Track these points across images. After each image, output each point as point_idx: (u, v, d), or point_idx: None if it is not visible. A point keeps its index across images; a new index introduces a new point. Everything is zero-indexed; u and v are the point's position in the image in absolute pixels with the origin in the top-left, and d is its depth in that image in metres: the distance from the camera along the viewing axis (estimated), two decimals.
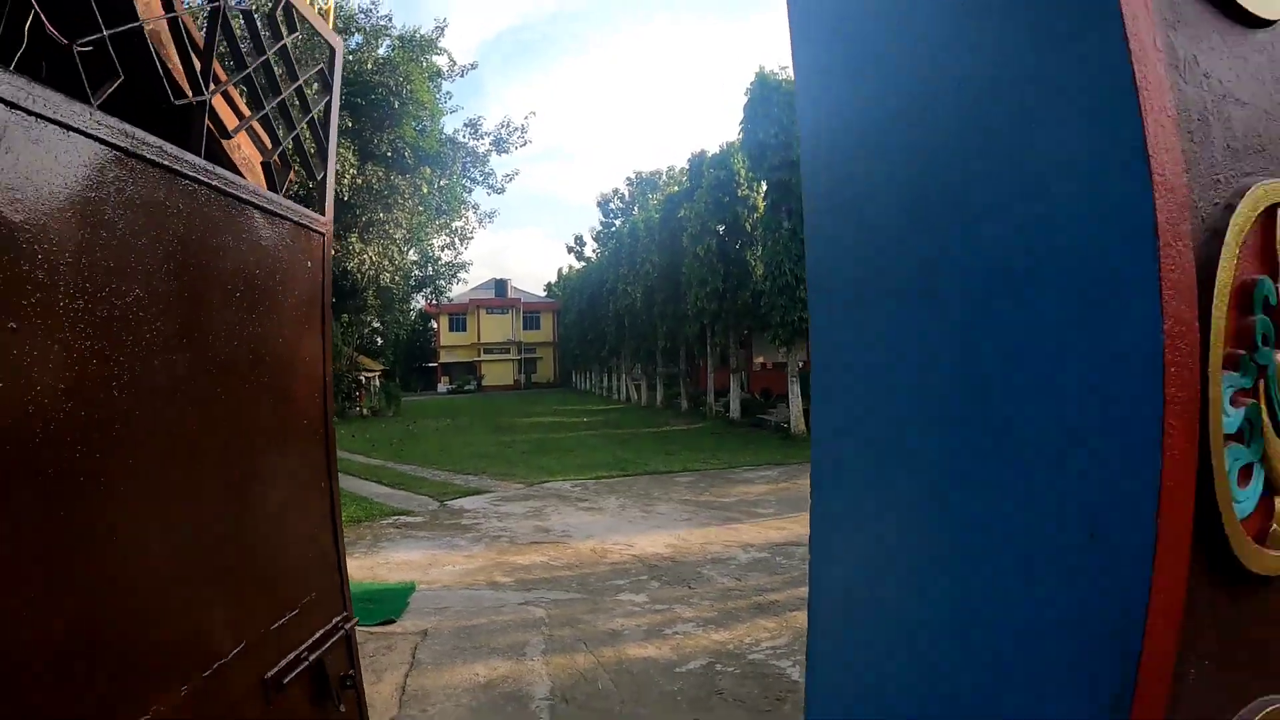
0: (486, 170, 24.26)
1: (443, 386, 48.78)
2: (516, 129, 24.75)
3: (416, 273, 20.18)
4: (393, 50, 18.40)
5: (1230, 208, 0.94)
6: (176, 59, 1.72)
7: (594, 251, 48.19)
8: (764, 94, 17.43)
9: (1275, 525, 0.98)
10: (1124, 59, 0.83)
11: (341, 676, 2.02)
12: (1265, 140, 1.02)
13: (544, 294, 59.14)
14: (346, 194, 15.50)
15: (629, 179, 46.38)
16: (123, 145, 1.30)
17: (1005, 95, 0.98)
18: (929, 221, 1.09)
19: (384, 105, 17.87)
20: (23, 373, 1.05)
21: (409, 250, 15.23)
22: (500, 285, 53.65)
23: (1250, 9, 1.02)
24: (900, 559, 1.14)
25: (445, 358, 50.96)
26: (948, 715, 1.01)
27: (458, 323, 51.16)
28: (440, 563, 6.93)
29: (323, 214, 2.18)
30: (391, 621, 5.11)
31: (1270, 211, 0.98)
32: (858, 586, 1.22)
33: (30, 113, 1.08)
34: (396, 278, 14.67)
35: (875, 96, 1.20)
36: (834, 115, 1.32)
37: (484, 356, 50.54)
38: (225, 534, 1.59)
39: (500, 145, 24.32)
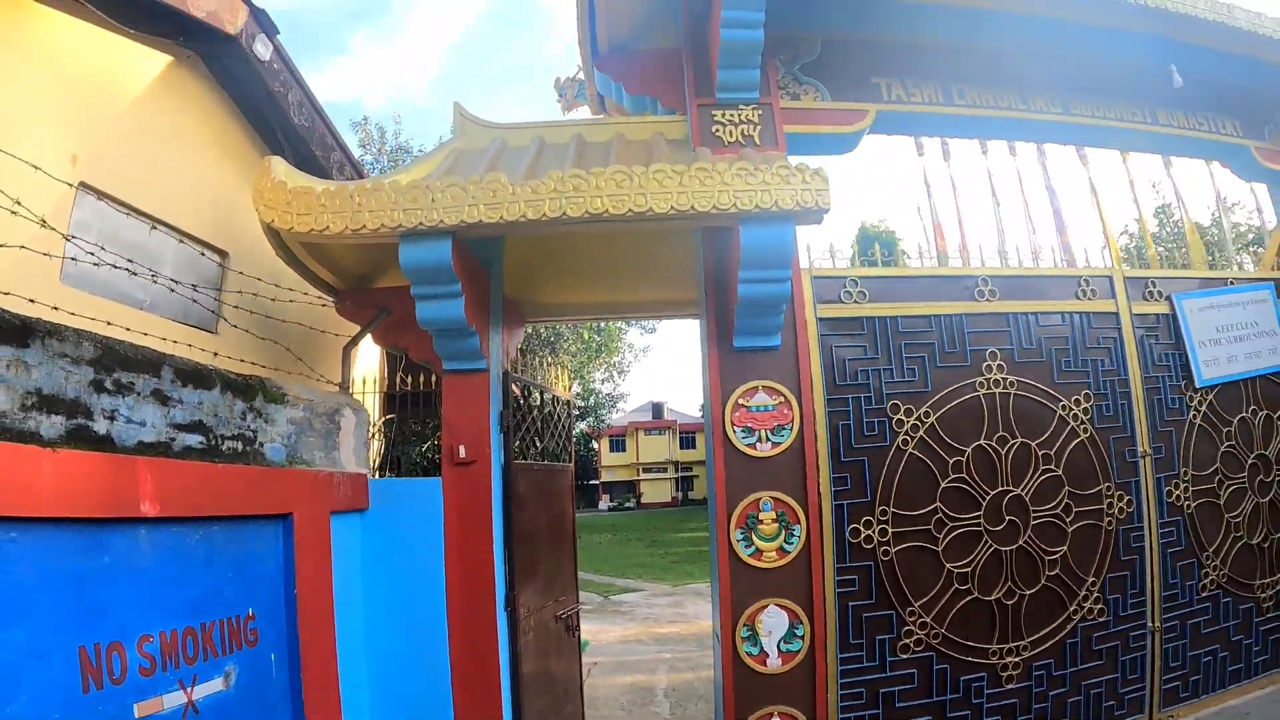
0: None
1: (604, 504, 53.20)
2: None
3: (580, 404, 24.12)
4: None
5: None
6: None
7: None
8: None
9: None
10: None
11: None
12: None
13: (699, 414, 62.93)
14: (521, 343, 19.79)
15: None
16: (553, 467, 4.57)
17: None
18: None
19: None
20: None
21: (573, 386, 18.90)
22: (657, 408, 58.10)
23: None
24: None
25: (606, 476, 55.84)
26: None
27: (617, 444, 55.97)
28: (605, 631, 10.50)
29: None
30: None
31: None
32: None
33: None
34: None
35: None
36: None
37: (643, 475, 54.89)
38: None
39: None
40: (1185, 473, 5.10)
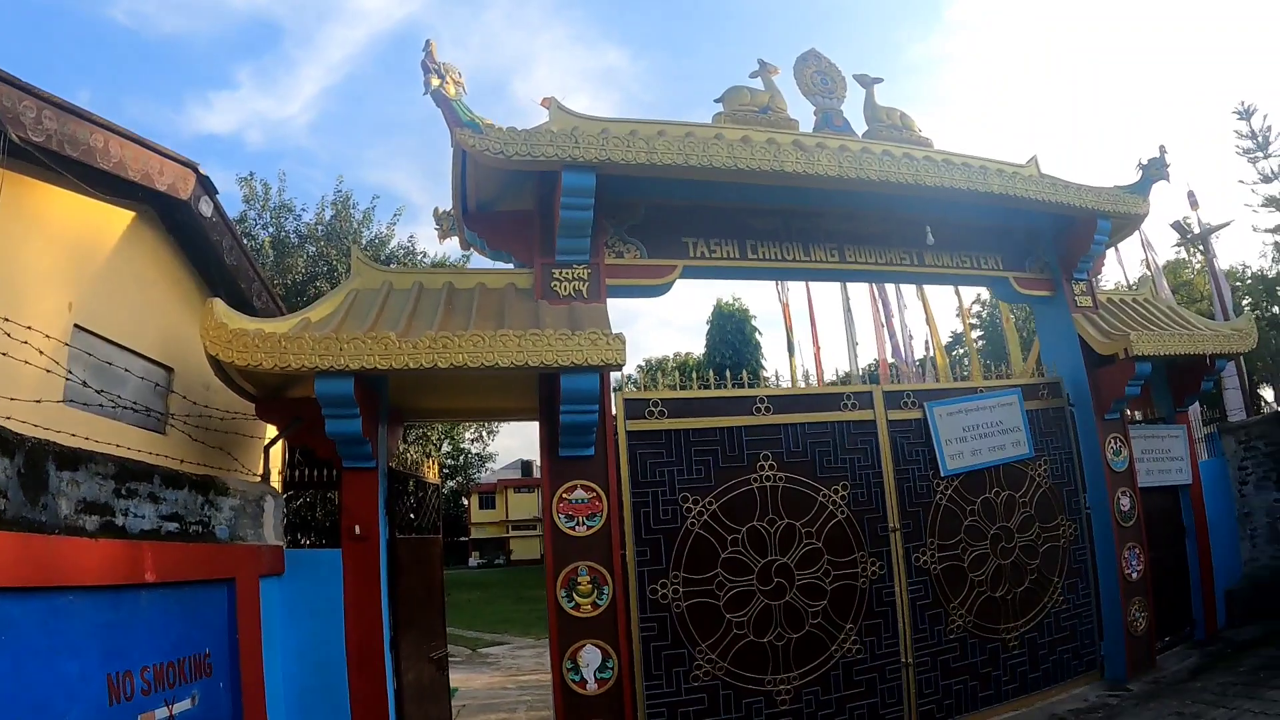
0: None
1: (473, 560, 55.74)
2: None
3: (450, 463, 25.59)
4: None
5: None
6: None
7: None
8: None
9: None
10: None
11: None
12: None
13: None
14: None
15: (640, 365, 51.46)
16: (425, 538, 6.40)
17: None
18: None
19: None
20: None
21: (443, 445, 20.25)
22: (526, 466, 60.92)
23: None
24: None
25: (476, 533, 59.03)
26: None
27: (487, 501, 58.93)
28: (473, 679, 12.31)
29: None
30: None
31: None
32: None
33: None
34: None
35: None
36: None
37: (512, 533, 58.00)
38: None
39: None
40: (932, 542, 7.00)
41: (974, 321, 24.80)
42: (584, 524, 6.03)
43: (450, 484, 32.52)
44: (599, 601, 5.95)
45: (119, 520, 4.36)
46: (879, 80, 8.10)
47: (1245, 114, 18.31)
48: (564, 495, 6.06)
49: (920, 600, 6.92)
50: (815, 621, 6.52)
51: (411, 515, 6.95)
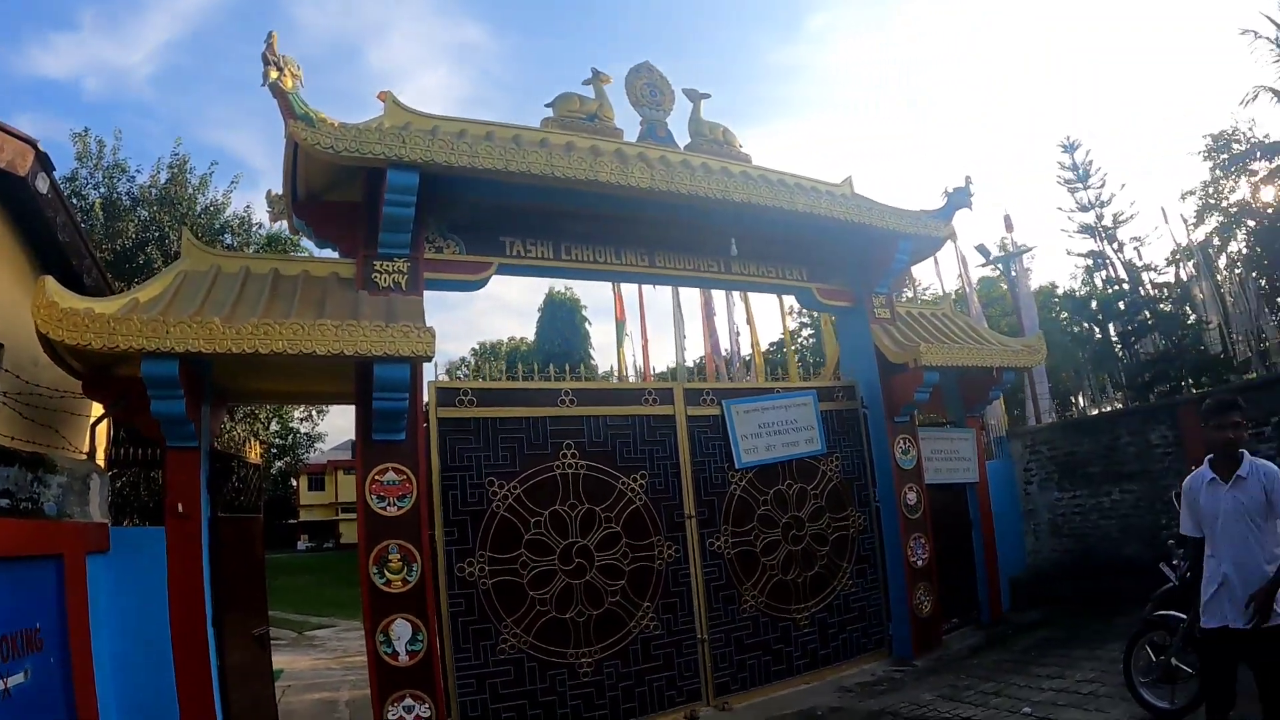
0: None
1: (302, 544, 54.42)
2: None
3: (278, 442, 25.55)
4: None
5: None
6: None
7: None
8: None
9: None
10: None
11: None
12: None
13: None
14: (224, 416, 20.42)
15: (474, 349, 52.27)
16: (247, 518, 6.70)
17: None
18: None
19: None
20: None
21: (271, 424, 20.13)
22: (355, 446, 59.07)
23: None
24: None
25: (305, 516, 57.22)
26: None
27: (316, 483, 56.90)
28: (298, 661, 12.66)
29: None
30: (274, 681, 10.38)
31: None
32: None
33: None
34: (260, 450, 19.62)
35: None
36: None
37: (342, 515, 55.90)
38: None
39: None
40: (726, 528, 7.84)
41: (806, 321, 26.77)
42: (395, 504, 6.52)
43: (278, 464, 32.10)
44: (409, 578, 6.44)
45: None
46: (706, 95, 8.93)
47: (1070, 148, 20.55)
48: (376, 477, 6.54)
49: (715, 582, 7.74)
50: (614, 600, 7.23)
51: (233, 495, 7.29)
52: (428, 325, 6.25)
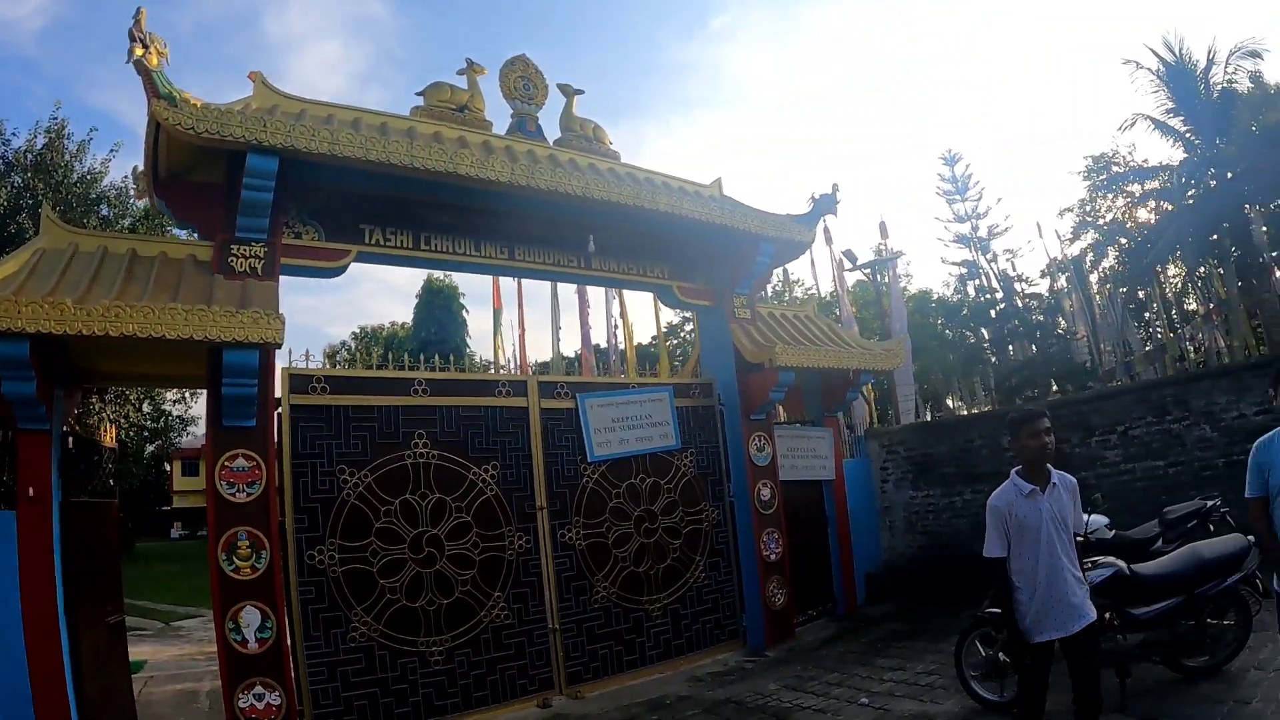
0: None
1: (175, 532, 52.91)
2: None
3: (150, 425, 25.03)
4: None
5: None
6: None
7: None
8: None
9: None
10: None
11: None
12: None
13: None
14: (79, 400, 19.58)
15: (354, 333, 52.30)
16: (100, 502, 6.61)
17: None
18: None
19: None
20: None
21: (143, 405, 19.80)
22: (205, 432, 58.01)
23: None
24: None
25: (179, 502, 54.75)
26: None
27: (191, 468, 53.85)
28: (163, 652, 12.43)
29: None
30: (137, 671, 10.21)
31: None
32: None
33: None
34: (130, 432, 19.15)
35: None
36: None
37: None
38: None
39: None
40: (578, 520, 8.21)
41: (689, 316, 27.65)
42: (244, 491, 6.62)
43: (150, 448, 31.18)
44: (258, 565, 6.55)
45: None
46: (580, 92, 9.27)
47: (950, 161, 21.86)
48: (226, 463, 6.62)
49: (566, 572, 8.09)
50: (465, 589, 7.50)
51: (87, 479, 7.23)
52: (279, 312, 6.40)
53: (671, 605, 8.76)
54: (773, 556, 9.42)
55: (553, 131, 8.96)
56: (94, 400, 15.54)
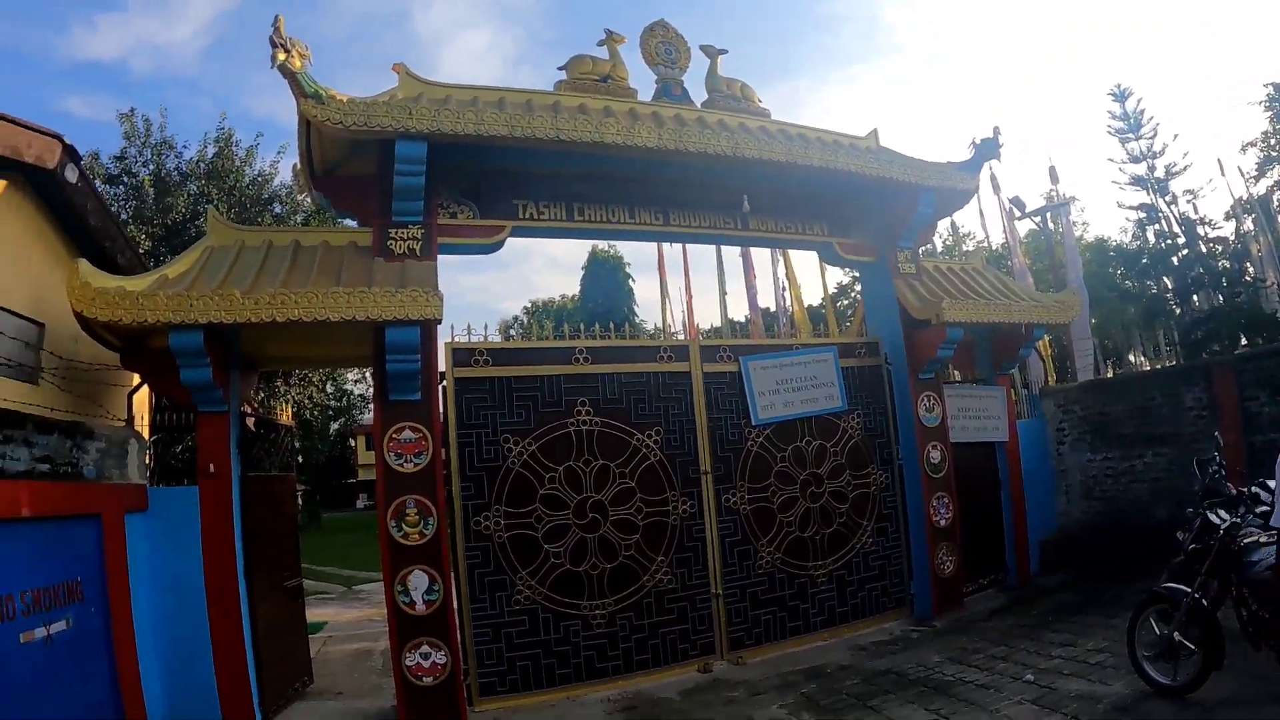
0: None
1: (360, 502, 55.71)
2: None
3: (334, 404, 26.19)
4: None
5: None
6: None
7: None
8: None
9: None
10: None
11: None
12: None
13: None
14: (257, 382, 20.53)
15: (526, 306, 52.68)
16: (278, 476, 7.11)
17: None
18: None
19: None
20: None
21: (326, 386, 20.67)
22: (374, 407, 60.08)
23: None
24: None
25: (363, 475, 57.75)
26: None
27: (373, 443, 56.66)
28: (343, 614, 13.22)
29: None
30: (317, 632, 10.88)
31: None
32: None
33: None
34: (314, 412, 20.05)
35: None
36: None
37: None
38: None
39: None
40: (742, 485, 8.04)
41: (859, 275, 26.78)
42: (411, 461, 6.87)
43: (334, 426, 33.20)
44: (425, 531, 6.80)
45: None
46: (724, 51, 9.01)
47: (1120, 96, 19.87)
48: (394, 435, 6.89)
49: (730, 537, 7.98)
50: (628, 553, 7.53)
51: (264, 456, 7.71)
52: (437, 289, 6.55)
53: (837, 571, 8.51)
54: (942, 522, 8.99)
55: (699, 94, 8.74)
56: (279, 383, 16.62)
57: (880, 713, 5.97)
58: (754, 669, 7.61)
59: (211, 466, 6.76)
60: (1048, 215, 14.50)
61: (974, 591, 9.46)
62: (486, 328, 7.45)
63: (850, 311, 25.37)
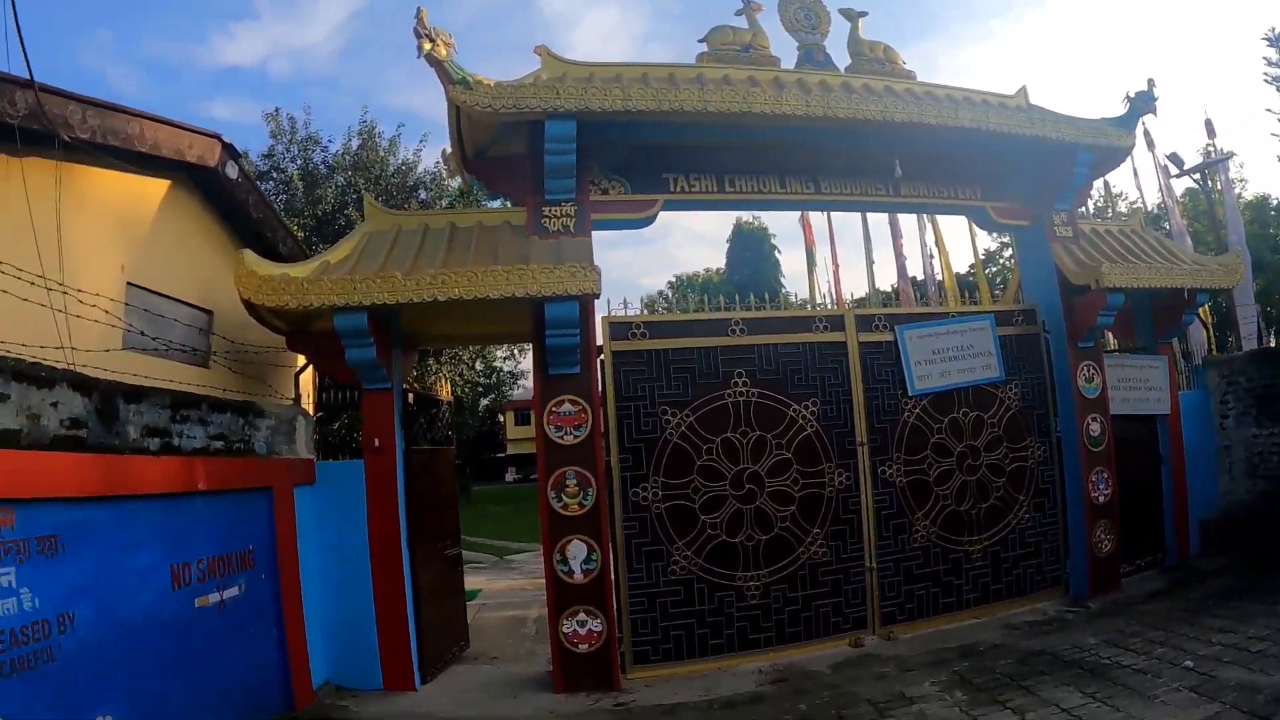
0: None
1: (510, 476, 57.29)
2: None
3: (484, 380, 26.63)
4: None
5: None
6: None
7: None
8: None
9: None
10: None
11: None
12: None
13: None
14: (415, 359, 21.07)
15: (670, 281, 52.62)
16: (438, 449, 7.38)
17: None
18: None
19: None
20: None
21: (475, 363, 21.16)
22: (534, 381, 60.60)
23: None
24: None
25: (512, 449, 59.53)
26: None
27: (523, 417, 58.17)
28: (495, 583, 13.64)
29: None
30: (471, 599, 11.16)
31: None
32: None
33: None
34: (465, 389, 20.56)
35: None
36: None
37: None
38: None
39: None
40: (898, 456, 7.89)
41: (1007, 241, 25.50)
42: (571, 434, 6.97)
43: (485, 402, 34.15)
44: (584, 502, 6.91)
45: (175, 441, 5.55)
46: (864, 14, 8.76)
47: (1275, 41, 18.24)
48: (553, 409, 7.01)
49: (885, 510, 7.84)
50: (784, 525, 7.48)
51: (425, 429, 7.95)
52: (594, 264, 6.62)
53: (992, 547, 8.24)
54: (1101, 499, 8.59)
55: (841, 58, 8.51)
56: (430, 361, 17.20)
57: (1034, 694, 5.78)
58: (905, 645, 7.49)
59: (377, 441, 7.02)
60: (1205, 172, 13.63)
61: (1131, 572, 9.01)
62: (625, 302, 7.57)
63: (999, 279, 24.41)
